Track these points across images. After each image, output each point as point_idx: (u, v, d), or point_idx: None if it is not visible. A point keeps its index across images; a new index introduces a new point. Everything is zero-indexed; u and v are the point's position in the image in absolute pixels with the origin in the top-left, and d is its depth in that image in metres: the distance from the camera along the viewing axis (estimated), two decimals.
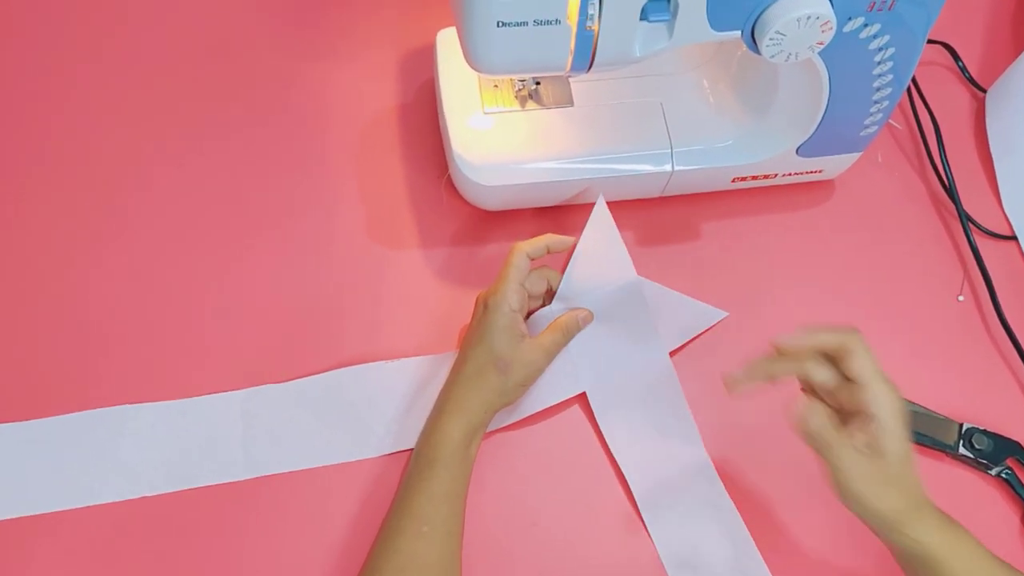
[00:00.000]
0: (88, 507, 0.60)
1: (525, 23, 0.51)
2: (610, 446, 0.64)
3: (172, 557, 0.60)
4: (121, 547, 0.60)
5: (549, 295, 0.64)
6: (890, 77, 0.59)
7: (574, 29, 0.52)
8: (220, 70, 0.76)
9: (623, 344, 0.64)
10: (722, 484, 0.63)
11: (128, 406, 0.63)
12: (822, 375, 0.53)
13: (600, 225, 0.62)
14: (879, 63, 0.58)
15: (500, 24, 0.51)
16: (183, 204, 0.71)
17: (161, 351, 0.66)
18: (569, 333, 0.62)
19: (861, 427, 0.50)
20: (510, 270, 0.61)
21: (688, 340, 0.67)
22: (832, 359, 0.53)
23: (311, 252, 0.70)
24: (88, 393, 0.64)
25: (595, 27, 0.52)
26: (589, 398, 0.64)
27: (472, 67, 0.55)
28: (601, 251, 0.62)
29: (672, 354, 0.66)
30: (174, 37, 0.78)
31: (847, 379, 0.52)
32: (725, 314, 0.63)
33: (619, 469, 0.63)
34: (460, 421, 0.59)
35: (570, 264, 0.62)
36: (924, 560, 0.50)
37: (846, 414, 0.52)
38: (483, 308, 0.61)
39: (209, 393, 0.64)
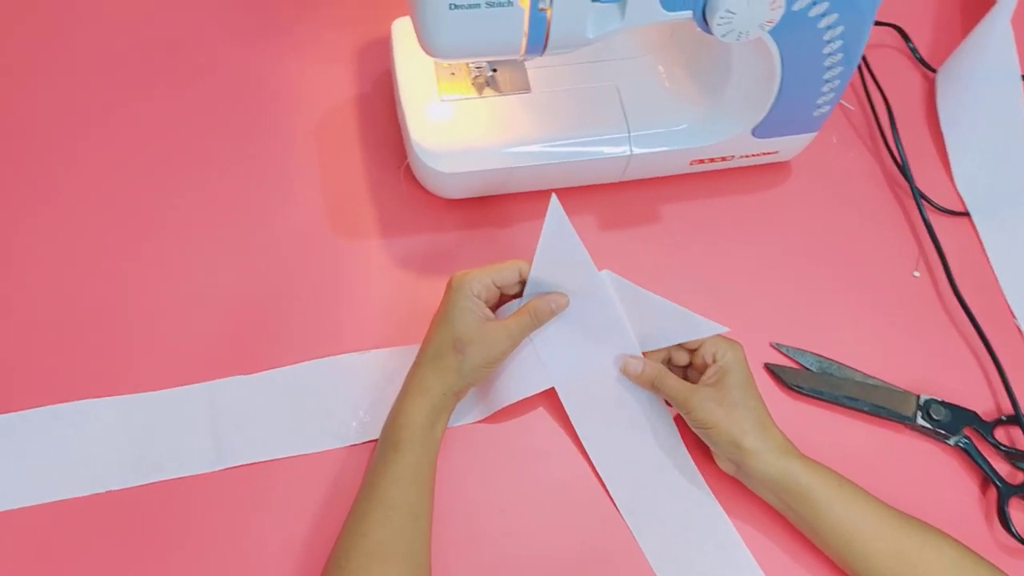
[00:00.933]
0: (54, 502, 0.59)
1: (478, 5, 0.51)
2: (584, 445, 0.63)
3: (141, 550, 0.59)
4: (89, 542, 0.58)
5: (521, 289, 0.63)
6: (840, 56, 0.60)
7: (527, 11, 0.52)
8: (171, 59, 0.76)
9: (592, 341, 0.63)
10: (706, 484, 0.62)
11: (92, 400, 0.62)
12: (681, 356, 0.62)
13: (556, 226, 0.60)
14: (828, 42, 0.59)
15: (453, 7, 0.51)
16: (140, 197, 0.70)
17: (125, 344, 0.64)
18: (538, 317, 0.61)
19: (708, 373, 0.60)
20: (492, 265, 0.61)
21: None
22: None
23: (272, 244, 0.69)
24: (50, 388, 0.62)
25: (548, 9, 0.52)
26: (559, 395, 0.64)
27: (426, 52, 0.55)
28: (560, 252, 0.61)
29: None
30: (121, 26, 0.77)
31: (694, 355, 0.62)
32: (722, 328, 0.59)
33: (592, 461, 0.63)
34: (422, 402, 0.58)
35: (534, 261, 0.61)
36: (784, 484, 0.57)
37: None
38: (448, 288, 0.61)
39: (175, 386, 0.63)
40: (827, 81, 0.62)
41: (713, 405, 0.58)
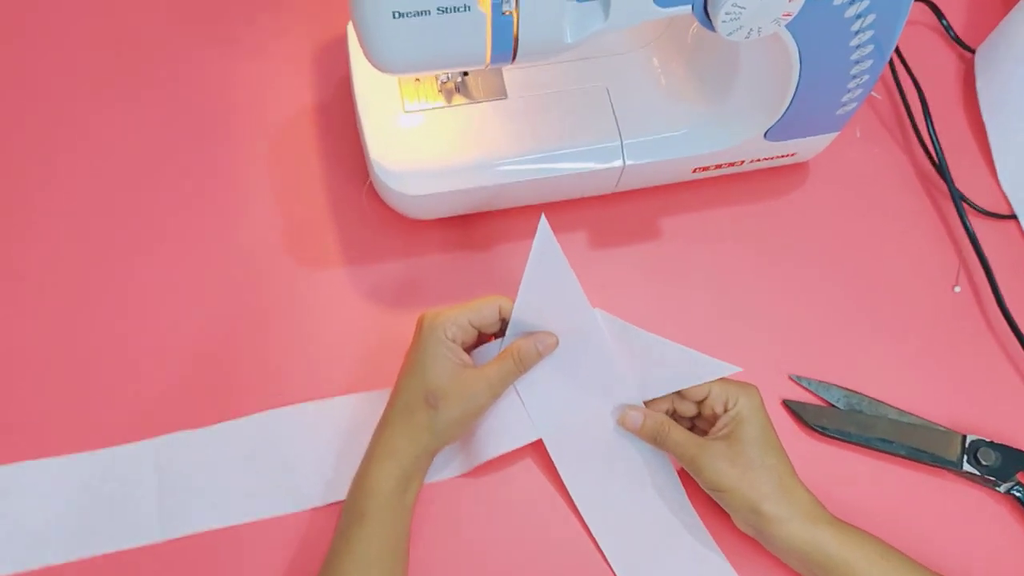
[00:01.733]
0: None
1: (427, 12, 0.42)
2: (577, 504, 0.56)
3: None
4: None
5: (502, 331, 0.56)
6: (870, 48, 0.51)
7: (489, 15, 0.43)
8: (110, 67, 0.67)
9: (584, 389, 0.56)
10: (719, 549, 0.55)
11: (24, 462, 0.56)
12: (687, 407, 0.55)
13: (544, 255, 0.53)
14: (857, 32, 0.49)
15: (396, 15, 0.42)
16: (70, 222, 0.63)
17: (57, 397, 0.58)
18: (523, 362, 0.53)
19: (719, 425, 0.53)
20: (468, 303, 0.53)
21: None
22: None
23: (222, 274, 0.62)
24: None
25: (514, 11, 0.43)
26: (548, 448, 0.56)
27: (374, 66, 0.46)
28: (549, 285, 0.54)
29: None
30: (66, 32, 0.68)
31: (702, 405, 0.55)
32: (734, 369, 0.53)
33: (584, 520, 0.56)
34: (390, 467, 0.51)
35: (518, 298, 0.54)
36: (813, 557, 0.50)
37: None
38: (417, 330, 0.53)
39: (116, 444, 0.57)
40: (854, 77, 0.53)
41: (725, 464, 0.51)
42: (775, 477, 0.51)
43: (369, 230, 0.63)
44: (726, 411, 0.53)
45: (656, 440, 0.54)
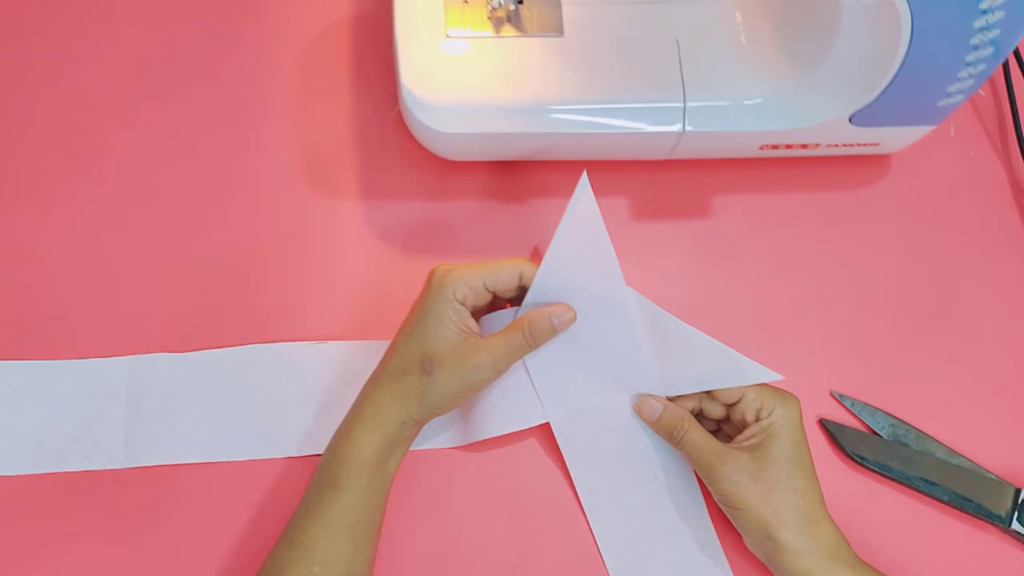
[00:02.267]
0: None
1: None
2: (581, 499, 0.51)
3: (28, 551, 0.49)
4: None
5: (519, 297, 0.50)
6: (995, 33, 0.43)
7: None
8: None
9: (601, 374, 0.50)
10: (727, 566, 0.50)
11: None
12: (715, 409, 0.50)
13: (582, 215, 0.47)
14: (985, 12, 0.41)
15: None
16: (76, 123, 0.57)
17: (36, 303, 0.54)
18: (535, 335, 0.47)
19: (747, 433, 0.47)
20: (487, 263, 0.48)
21: None
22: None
23: (228, 193, 0.57)
24: None
25: None
26: (555, 434, 0.51)
27: None
28: (581, 252, 0.47)
29: None
30: None
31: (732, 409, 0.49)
32: (775, 376, 0.47)
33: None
34: (374, 431, 0.46)
35: (543, 263, 0.48)
36: None
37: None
38: (426, 285, 0.48)
39: (90, 357, 0.53)
40: (969, 64, 0.46)
41: (747, 479, 0.46)
42: (800, 504, 0.46)
43: (394, 165, 0.58)
44: (758, 420, 0.47)
45: (672, 437, 0.49)
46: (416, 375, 0.46)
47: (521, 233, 0.57)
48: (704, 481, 0.48)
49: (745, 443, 0.47)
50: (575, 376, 0.50)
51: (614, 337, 0.49)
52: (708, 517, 0.50)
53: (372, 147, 0.58)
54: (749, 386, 0.47)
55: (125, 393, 0.52)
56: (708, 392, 0.49)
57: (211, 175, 0.57)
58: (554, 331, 0.48)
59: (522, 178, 0.58)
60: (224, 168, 0.57)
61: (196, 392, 0.53)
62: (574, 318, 0.48)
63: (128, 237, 0.55)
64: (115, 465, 0.51)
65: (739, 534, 0.48)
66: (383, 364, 0.48)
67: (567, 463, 0.51)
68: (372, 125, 0.58)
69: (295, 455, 0.51)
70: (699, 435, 0.48)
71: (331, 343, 0.54)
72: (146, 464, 0.51)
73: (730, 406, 0.48)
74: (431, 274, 0.48)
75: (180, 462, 0.52)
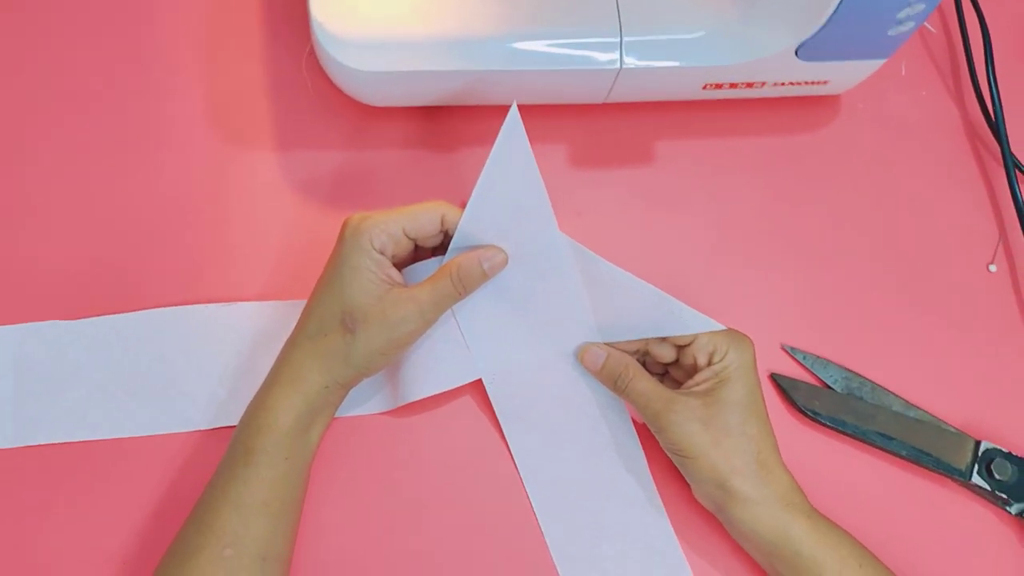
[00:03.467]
0: None
1: None
2: (516, 462, 0.48)
3: None
4: None
5: (443, 245, 0.46)
6: None
7: None
8: None
9: (535, 322, 0.47)
10: (669, 525, 0.47)
11: None
12: (665, 352, 0.47)
13: (511, 149, 0.43)
14: None
15: None
16: None
17: None
18: (464, 281, 0.44)
19: (697, 378, 0.45)
20: (404, 207, 0.44)
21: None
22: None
23: (129, 147, 0.53)
24: None
25: None
26: (488, 391, 0.48)
27: None
28: (510, 188, 0.44)
29: None
30: None
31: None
32: (719, 326, 0.45)
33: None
34: (293, 398, 0.43)
35: (470, 204, 0.44)
36: (778, 551, 0.43)
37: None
38: (340, 237, 0.44)
39: None
40: None
41: (698, 426, 0.44)
42: (753, 450, 0.43)
43: (311, 111, 0.54)
44: (710, 364, 0.45)
45: (617, 386, 0.46)
46: (338, 334, 0.42)
47: (449, 183, 0.53)
48: (652, 430, 0.45)
49: (696, 388, 0.44)
50: (508, 327, 0.47)
51: (548, 284, 0.46)
52: (648, 471, 0.48)
53: (287, 92, 0.54)
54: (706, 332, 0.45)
55: (13, 366, 0.48)
56: None
57: (110, 125, 0.53)
58: (485, 276, 0.44)
59: (449, 125, 0.54)
60: (124, 117, 0.53)
61: (91, 363, 0.48)
62: (506, 260, 0.45)
63: (15, 193, 0.51)
64: (4, 445, 0.47)
65: (683, 487, 0.46)
66: (300, 326, 0.44)
67: (500, 422, 0.48)
68: (286, 67, 0.54)
69: (206, 428, 0.48)
70: (646, 383, 0.45)
71: (243, 304, 0.50)
72: (39, 443, 0.47)
73: (681, 348, 0.46)
74: (345, 224, 0.44)
75: (77, 440, 0.47)
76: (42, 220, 0.50)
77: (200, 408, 0.48)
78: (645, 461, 0.48)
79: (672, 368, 0.48)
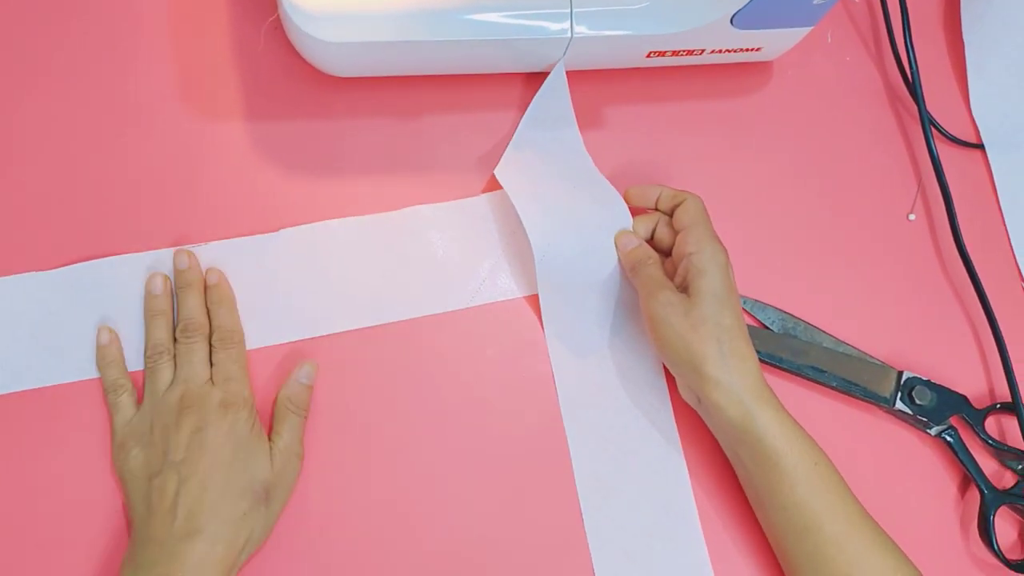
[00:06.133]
0: None
1: None
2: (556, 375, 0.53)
3: None
4: None
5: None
6: None
7: None
8: None
9: (576, 212, 0.53)
10: (683, 459, 0.52)
11: None
12: (667, 235, 0.52)
13: (554, 94, 0.53)
14: None
15: None
16: None
17: None
18: (301, 406, 0.49)
19: (680, 271, 0.49)
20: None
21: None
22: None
23: (97, 120, 0.53)
24: None
25: None
26: (536, 271, 0.52)
27: None
28: (550, 126, 0.54)
29: None
30: None
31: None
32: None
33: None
34: None
35: (514, 139, 0.54)
36: (743, 436, 0.46)
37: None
38: (196, 426, 0.46)
39: None
40: None
41: (678, 312, 0.47)
42: (727, 338, 0.46)
43: (278, 81, 0.55)
44: (685, 254, 0.49)
45: (634, 269, 0.51)
46: (261, 507, 0.46)
47: (414, 149, 0.55)
48: (643, 310, 0.49)
49: (677, 281, 0.49)
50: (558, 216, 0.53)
51: (580, 179, 0.54)
52: (670, 406, 0.52)
53: (253, 62, 0.55)
54: (690, 224, 0.49)
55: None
56: (668, 219, 0.52)
57: (77, 97, 0.53)
58: (309, 389, 0.49)
59: (412, 94, 0.56)
60: (91, 89, 0.53)
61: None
62: (315, 367, 0.50)
63: None
64: None
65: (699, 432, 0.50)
66: (192, 533, 0.44)
67: (540, 299, 0.52)
68: (252, 38, 0.55)
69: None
70: (652, 270, 0.50)
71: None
72: None
73: (677, 233, 0.50)
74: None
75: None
76: (8, 200, 0.51)
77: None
78: (668, 398, 0.52)
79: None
